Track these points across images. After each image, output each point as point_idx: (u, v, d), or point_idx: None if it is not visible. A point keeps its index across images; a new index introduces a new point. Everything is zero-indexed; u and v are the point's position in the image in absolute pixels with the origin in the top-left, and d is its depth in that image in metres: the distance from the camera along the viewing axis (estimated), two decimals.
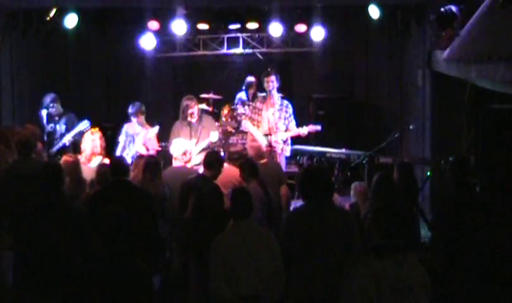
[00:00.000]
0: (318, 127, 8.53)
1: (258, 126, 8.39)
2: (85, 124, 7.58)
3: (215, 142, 8.12)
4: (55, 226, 4.64)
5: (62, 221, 4.67)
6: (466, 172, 5.19)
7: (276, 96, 8.32)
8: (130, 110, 8.21)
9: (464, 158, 5.68)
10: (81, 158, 7.09)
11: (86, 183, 6.41)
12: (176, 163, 7.15)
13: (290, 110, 8.41)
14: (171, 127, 8.30)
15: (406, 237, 3.69)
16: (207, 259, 5.62)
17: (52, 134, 8.03)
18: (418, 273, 3.58)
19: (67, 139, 7.66)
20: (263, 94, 8.55)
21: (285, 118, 8.36)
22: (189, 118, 8.03)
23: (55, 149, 7.67)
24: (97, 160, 7.03)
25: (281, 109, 8.35)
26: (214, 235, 5.52)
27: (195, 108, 8.05)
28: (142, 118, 8.28)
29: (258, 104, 8.50)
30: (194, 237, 5.89)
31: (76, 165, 6.38)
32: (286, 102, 8.45)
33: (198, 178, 6.11)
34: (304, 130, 8.38)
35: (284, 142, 8.39)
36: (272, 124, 8.28)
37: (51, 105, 7.98)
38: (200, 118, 8.14)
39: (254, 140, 8.09)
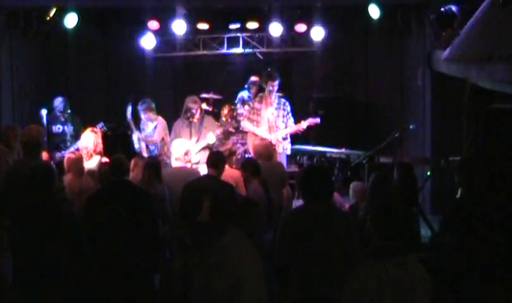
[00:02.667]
0: (317, 120, 8.51)
1: (257, 127, 8.40)
2: (101, 126, 7.78)
3: (213, 144, 8.11)
4: (45, 227, 4.63)
5: (51, 222, 4.65)
6: (474, 171, 5.19)
7: (274, 95, 8.35)
8: (139, 106, 8.41)
9: (470, 158, 5.68)
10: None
11: (88, 178, 6.42)
12: (176, 163, 7.15)
13: (288, 107, 8.44)
14: (171, 127, 8.31)
15: (407, 237, 3.68)
16: None
17: (60, 135, 8.14)
18: (420, 274, 3.56)
19: None
20: (261, 94, 8.57)
21: (283, 116, 8.39)
22: (191, 119, 8.06)
23: (71, 149, 7.75)
24: (96, 159, 7.03)
25: (279, 107, 8.38)
26: None
27: (197, 112, 8.09)
28: (151, 114, 8.40)
29: (256, 104, 8.51)
30: (211, 237, 5.83)
31: (79, 161, 6.40)
32: (283, 100, 8.48)
33: (207, 179, 6.07)
34: (303, 125, 8.38)
35: (284, 139, 8.40)
36: (272, 123, 8.30)
37: (63, 109, 8.29)
38: (201, 119, 8.16)
39: (263, 139, 8.08)
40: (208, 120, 8.34)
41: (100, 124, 7.83)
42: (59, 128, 8.32)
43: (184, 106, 8.17)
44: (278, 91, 8.44)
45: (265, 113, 8.37)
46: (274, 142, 8.21)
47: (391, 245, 3.55)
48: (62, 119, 8.34)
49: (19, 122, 8.44)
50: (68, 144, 8.10)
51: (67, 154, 6.63)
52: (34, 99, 9.50)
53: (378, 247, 3.58)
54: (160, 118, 8.52)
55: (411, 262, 3.54)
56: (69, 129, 8.35)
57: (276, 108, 8.35)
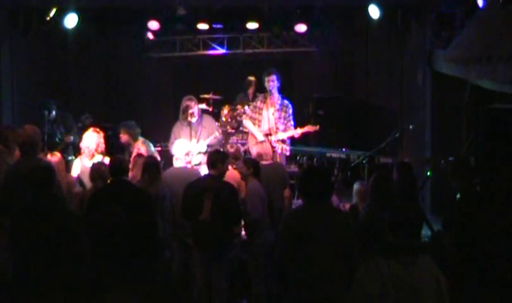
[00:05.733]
0: (316, 128, 8.46)
1: (259, 126, 8.38)
2: (87, 117, 7.68)
3: (207, 149, 8.02)
4: (45, 227, 4.63)
5: (51, 222, 4.65)
6: (471, 172, 5.20)
7: (277, 95, 8.31)
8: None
9: (467, 159, 5.68)
10: (84, 155, 7.09)
11: (67, 180, 6.41)
12: (177, 164, 7.15)
13: (290, 110, 8.39)
14: (171, 127, 8.31)
15: (420, 238, 3.66)
16: (221, 258, 5.75)
17: (52, 135, 8.11)
18: (430, 275, 3.51)
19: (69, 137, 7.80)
20: (264, 93, 8.54)
21: (284, 118, 8.34)
22: (189, 119, 8.03)
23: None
24: (98, 159, 7.02)
25: (281, 109, 8.33)
26: (230, 234, 5.73)
27: (195, 109, 8.03)
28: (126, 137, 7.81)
29: (258, 103, 8.48)
30: (213, 237, 5.87)
31: (59, 164, 6.37)
32: (286, 102, 8.41)
33: (208, 179, 6.07)
34: (298, 132, 8.31)
35: (283, 142, 8.38)
36: (272, 124, 8.28)
37: (52, 109, 8.16)
38: (200, 119, 8.14)
39: (260, 141, 8.08)
40: (207, 119, 8.32)
41: (84, 116, 7.78)
42: (48, 129, 8.22)
43: (180, 107, 8.15)
44: (279, 90, 8.41)
45: (266, 112, 8.36)
46: (273, 143, 8.21)
47: (399, 244, 3.52)
48: (51, 119, 8.25)
49: (19, 122, 8.43)
50: (58, 143, 8.02)
51: (48, 157, 6.59)
52: (34, 99, 9.49)
53: (385, 246, 3.56)
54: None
55: (420, 262, 3.49)
56: (58, 128, 8.28)
57: (278, 109, 8.31)
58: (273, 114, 8.28)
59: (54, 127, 8.23)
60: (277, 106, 8.31)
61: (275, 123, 8.28)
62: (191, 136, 7.99)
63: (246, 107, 9.72)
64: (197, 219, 5.86)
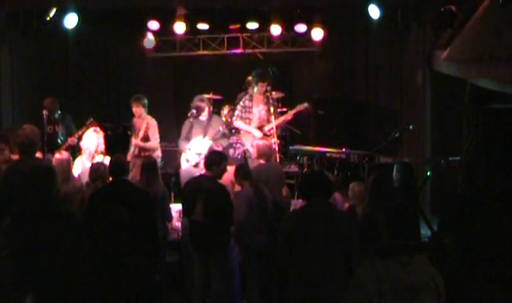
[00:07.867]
0: (305, 104, 8.62)
1: (249, 124, 8.46)
2: (90, 121, 7.75)
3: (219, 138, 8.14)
4: (45, 227, 4.63)
5: (51, 222, 4.66)
6: (475, 172, 5.20)
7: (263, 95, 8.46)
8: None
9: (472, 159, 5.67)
10: (84, 156, 7.10)
11: (74, 180, 6.41)
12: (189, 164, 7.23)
13: (271, 101, 8.55)
14: (171, 127, 8.35)
15: (416, 238, 3.66)
16: (218, 258, 5.64)
17: (53, 135, 8.11)
18: (426, 275, 3.51)
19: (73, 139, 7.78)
20: (251, 92, 8.62)
21: (269, 111, 8.47)
22: (199, 116, 8.13)
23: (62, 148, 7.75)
24: (99, 159, 7.03)
25: (265, 103, 8.44)
26: (225, 234, 5.77)
27: (206, 109, 8.15)
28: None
29: (247, 103, 8.57)
30: (206, 237, 5.88)
31: (67, 163, 6.37)
32: (268, 94, 8.56)
33: (202, 180, 6.09)
34: (290, 113, 8.57)
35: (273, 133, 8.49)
36: (264, 118, 8.42)
37: (55, 108, 8.20)
38: (209, 118, 8.23)
39: (263, 138, 8.13)
40: (217, 120, 8.44)
41: (90, 119, 7.84)
42: (50, 128, 8.25)
43: (192, 106, 8.21)
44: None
45: (256, 109, 8.47)
46: (268, 133, 8.31)
47: (395, 244, 3.52)
48: (53, 120, 8.28)
49: (19, 122, 8.43)
50: (60, 144, 8.04)
51: (56, 155, 6.58)
52: (34, 99, 9.49)
53: (382, 246, 3.56)
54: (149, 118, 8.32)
55: (417, 262, 3.49)
56: (60, 129, 8.30)
57: (265, 103, 8.47)
58: (262, 109, 8.41)
59: (56, 128, 8.26)
60: (263, 101, 8.46)
61: (266, 117, 8.42)
62: (197, 134, 8.09)
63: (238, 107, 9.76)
64: (191, 220, 5.91)
